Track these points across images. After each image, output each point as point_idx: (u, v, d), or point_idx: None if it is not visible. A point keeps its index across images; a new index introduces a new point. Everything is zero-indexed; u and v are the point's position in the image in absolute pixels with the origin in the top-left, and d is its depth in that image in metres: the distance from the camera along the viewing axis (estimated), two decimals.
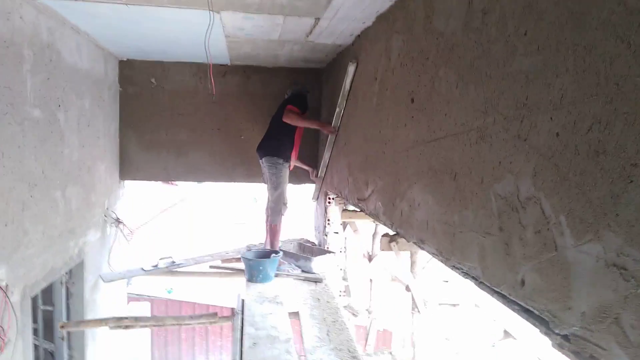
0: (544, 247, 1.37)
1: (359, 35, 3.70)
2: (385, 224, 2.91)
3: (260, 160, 4.74)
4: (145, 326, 3.81)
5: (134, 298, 8.49)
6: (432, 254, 2.18)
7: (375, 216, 3.14)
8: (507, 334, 3.83)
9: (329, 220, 5.12)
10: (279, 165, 4.54)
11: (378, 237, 4.15)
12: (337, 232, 5.11)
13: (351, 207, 4.55)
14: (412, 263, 2.82)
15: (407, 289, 2.80)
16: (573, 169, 1.25)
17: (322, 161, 4.57)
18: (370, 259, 4.20)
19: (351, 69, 3.31)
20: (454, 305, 3.83)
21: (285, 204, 4.55)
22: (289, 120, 4.42)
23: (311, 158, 5.53)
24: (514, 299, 1.53)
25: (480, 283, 1.76)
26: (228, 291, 4.82)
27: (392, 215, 2.75)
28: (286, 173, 4.63)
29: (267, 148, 4.64)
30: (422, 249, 2.32)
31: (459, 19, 1.94)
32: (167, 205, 9.40)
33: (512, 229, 1.53)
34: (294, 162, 4.86)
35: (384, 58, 2.99)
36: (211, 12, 2.85)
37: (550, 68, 1.35)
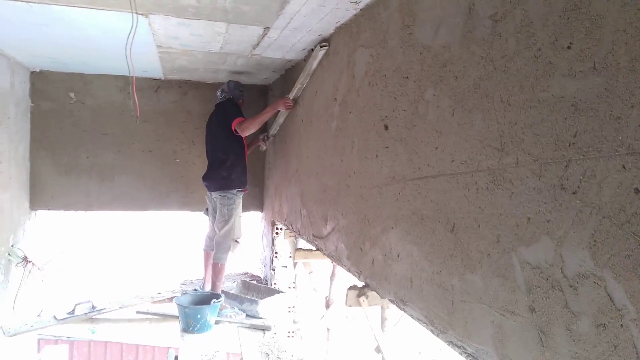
0: (614, 349, 0.95)
1: (312, 50, 3.26)
2: (350, 271, 2.46)
3: (208, 193, 4.15)
4: None
5: (49, 340, 7.48)
6: (419, 320, 1.74)
7: (336, 259, 2.68)
8: None
9: (276, 252, 4.61)
10: (232, 196, 3.97)
11: (337, 280, 3.69)
12: (285, 267, 4.60)
13: (303, 243, 4.07)
14: (384, 319, 2.39)
15: (377, 349, 2.37)
16: None
17: (275, 122, 4.06)
18: (327, 304, 3.74)
19: (320, 53, 2.84)
20: (420, 352, 3.43)
21: (236, 240, 3.97)
22: (248, 132, 3.90)
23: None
24: None
25: None
26: (164, 326, 4.18)
27: (360, 263, 2.30)
28: (239, 204, 4.06)
29: (218, 181, 4.03)
30: (404, 311, 1.88)
31: (454, 29, 1.54)
32: (89, 233, 8.48)
33: (553, 314, 1.11)
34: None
35: (346, 76, 2.57)
36: (135, 15, 2.31)
37: (619, 95, 0.95)
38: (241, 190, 4.07)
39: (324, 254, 2.90)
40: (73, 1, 2.36)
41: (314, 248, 3.17)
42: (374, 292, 2.15)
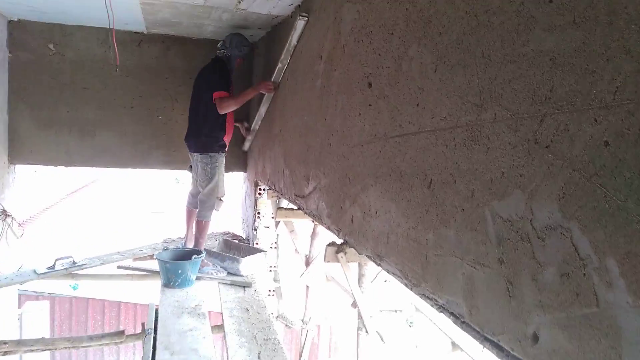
0: (576, 298, 0.99)
1: (299, 5, 3.20)
2: (330, 229, 2.49)
3: (189, 153, 4.12)
4: (31, 351, 3.15)
5: (30, 296, 7.49)
6: (394, 275, 1.78)
7: (317, 218, 2.71)
8: (455, 345, 3.59)
9: (259, 213, 4.63)
10: (214, 155, 3.94)
11: (318, 239, 3.73)
12: (267, 227, 4.63)
13: (286, 203, 4.09)
14: (361, 276, 2.44)
15: (354, 304, 2.42)
16: (633, 195, 0.88)
17: (257, 114, 4.01)
18: (307, 262, 3.79)
19: (300, 24, 2.78)
20: (396, 311, 3.53)
21: (220, 198, 3.96)
22: (226, 111, 3.85)
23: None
24: (519, 357, 1.16)
25: (463, 324, 1.38)
26: (145, 283, 4.23)
27: (340, 220, 2.32)
28: (222, 162, 4.03)
29: (197, 144, 4.00)
30: (380, 266, 1.92)
31: None
32: (69, 191, 8.36)
33: (521, 265, 1.14)
34: (229, 139, 4.24)
35: (332, 32, 2.53)
36: None
37: (596, 49, 0.96)
38: (222, 151, 4.04)
39: (305, 213, 2.93)
40: None
41: (296, 207, 3.19)
42: (352, 249, 2.19)
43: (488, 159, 1.27)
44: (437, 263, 1.49)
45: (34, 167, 4.64)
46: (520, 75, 1.16)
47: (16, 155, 4.39)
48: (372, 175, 1.97)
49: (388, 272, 1.84)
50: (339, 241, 2.31)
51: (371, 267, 2.53)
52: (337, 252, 2.32)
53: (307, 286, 3.81)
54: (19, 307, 6.71)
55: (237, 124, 4.56)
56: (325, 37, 2.63)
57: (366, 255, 2.03)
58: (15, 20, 4.24)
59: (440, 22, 1.52)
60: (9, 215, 4.03)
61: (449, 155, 1.44)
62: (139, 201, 11.14)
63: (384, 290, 3.08)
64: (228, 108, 3.81)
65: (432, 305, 1.54)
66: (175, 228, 6.22)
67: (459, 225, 1.38)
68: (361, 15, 2.15)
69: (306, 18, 2.81)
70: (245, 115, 4.90)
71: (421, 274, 1.58)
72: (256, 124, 4.16)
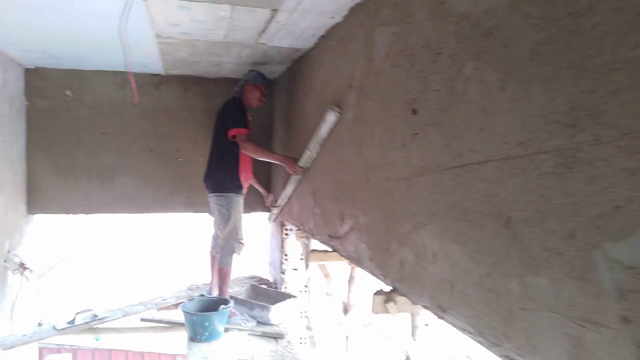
0: None
1: (323, 36, 3.04)
2: (373, 274, 2.23)
3: (207, 194, 3.93)
4: None
5: (52, 349, 7.26)
6: (464, 331, 1.51)
7: (356, 261, 2.45)
8: None
9: (286, 255, 4.38)
10: (229, 195, 3.74)
11: (356, 283, 3.46)
12: (296, 269, 4.38)
13: (315, 244, 3.83)
14: (414, 327, 2.17)
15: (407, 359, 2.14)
16: None
17: (283, 192, 3.79)
18: (345, 309, 3.51)
19: (331, 118, 2.56)
20: None
21: (239, 241, 3.73)
22: (246, 151, 3.64)
23: (265, 176, 4.77)
24: None
25: None
26: (169, 335, 3.99)
27: (386, 265, 2.07)
28: (239, 203, 3.81)
29: (212, 182, 3.82)
30: (443, 319, 1.65)
31: None
32: (88, 240, 8.27)
33: None
34: (247, 184, 4.02)
35: (363, 60, 2.34)
36: None
37: None
38: (238, 191, 3.83)
39: (342, 256, 2.68)
40: None
41: (330, 249, 2.94)
42: (404, 298, 1.92)
43: (593, 191, 1.02)
44: (527, 319, 1.22)
45: (53, 217, 4.49)
46: (632, 84, 0.93)
47: (34, 204, 4.26)
48: (425, 213, 1.73)
49: (455, 327, 1.57)
50: (387, 288, 2.06)
51: (425, 317, 2.26)
52: (386, 301, 2.06)
53: (347, 336, 3.51)
54: None
55: (261, 191, 4.48)
56: (355, 65, 2.44)
57: (424, 306, 1.76)
58: (32, 68, 4.18)
59: (504, 33, 1.31)
60: (26, 269, 3.86)
61: (532, 187, 1.20)
62: (162, 244, 10.99)
63: (435, 339, 2.79)
64: (248, 150, 3.61)
65: None
66: (199, 272, 5.99)
67: (555, 273, 1.12)
68: (398, 38, 1.95)
69: (338, 114, 2.59)
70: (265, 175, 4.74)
71: (503, 332, 1.31)
72: (282, 201, 3.95)
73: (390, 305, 2.06)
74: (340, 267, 3.65)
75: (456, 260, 1.53)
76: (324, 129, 2.70)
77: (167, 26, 2.85)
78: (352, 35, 2.52)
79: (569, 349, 1.09)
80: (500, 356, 1.35)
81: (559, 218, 1.11)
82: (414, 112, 1.81)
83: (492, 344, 1.37)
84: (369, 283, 3.42)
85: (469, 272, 1.46)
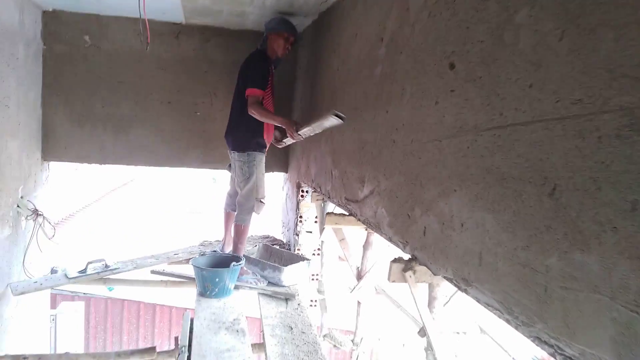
0: None
1: None
2: (391, 241, 2.11)
3: (228, 150, 3.80)
4: None
5: (66, 296, 7.40)
6: (490, 307, 1.39)
7: (374, 226, 2.33)
8: None
9: (301, 217, 4.30)
10: (250, 155, 3.61)
11: (371, 250, 3.35)
12: (310, 232, 4.29)
13: (332, 207, 3.73)
14: (432, 299, 2.05)
15: (422, 332, 2.04)
16: None
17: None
18: (359, 275, 3.41)
19: (334, 121, 2.42)
20: (459, 333, 3.11)
21: (260, 200, 3.62)
22: (252, 112, 3.43)
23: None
24: None
25: None
26: (181, 290, 3.99)
27: (406, 232, 1.94)
28: (261, 161, 3.68)
29: (234, 140, 3.67)
30: (466, 293, 1.53)
31: None
32: (107, 190, 8.27)
33: None
34: (269, 142, 3.85)
35: (397, 9, 2.15)
36: None
37: None
38: (261, 150, 3.69)
39: (359, 220, 2.56)
40: None
41: (347, 213, 2.83)
42: (424, 267, 1.80)
43: None
44: (566, 299, 1.09)
45: (71, 165, 4.44)
46: None
47: (49, 151, 4.21)
48: (455, 178, 1.58)
49: (479, 302, 1.45)
50: (406, 256, 1.94)
51: (445, 288, 2.15)
52: (405, 269, 1.95)
53: (359, 302, 3.44)
54: (55, 307, 6.63)
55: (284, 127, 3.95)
56: (388, 16, 2.26)
57: (445, 277, 1.65)
58: (50, 10, 4.05)
59: None
60: (40, 215, 3.84)
61: (587, 152, 1.04)
62: (176, 201, 10.99)
63: (452, 312, 2.70)
64: (253, 113, 3.42)
65: (553, 354, 1.15)
66: (213, 229, 5.97)
67: (607, 250, 0.98)
68: None
69: (339, 119, 2.38)
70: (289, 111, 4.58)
71: (536, 311, 1.19)
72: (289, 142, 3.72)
73: (409, 274, 1.95)
74: (356, 231, 3.54)
75: (487, 230, 1.40)
76: (321, 125, 2.57)
77: None
78: None
79: (614, 336, 0.96)
80: (530, 337, 1.23)
81: (619, 188, 0.96)
82: (452, 66, 1.64)
83: (521, 323, 1.25)
84: (385, 250, 3.32)
85: (502, 244, 1.33)
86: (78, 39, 4.17)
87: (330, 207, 3.82)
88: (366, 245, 3.39)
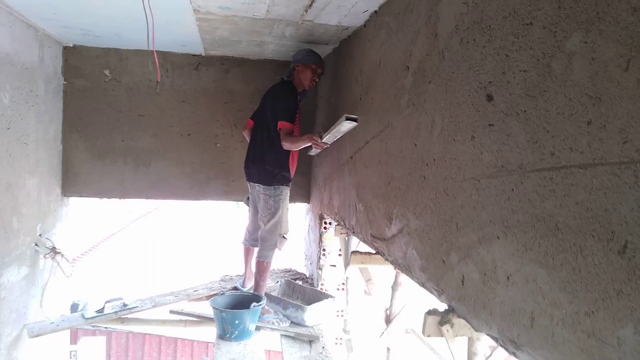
0: None
1: (375, 12, 2.72)
2: (424, 287, 1.92)
3: (249, 182, 3.67)
4: None
5: (87, 331, 7.31)
6: None
7: (404, 268, 2.15)
8: None
9: (324, 250, 4.12)
10: (277, 189, 3.47)
11: (401, 290, 3.14)
12: (334, 266, 4.11)
13: (357, 242, 3.54)
14: (471, 354, 1.85)
15: None
16: None
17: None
18: (388, 318, 3.20)
19: (349, 125, 2.43)
20: None
21: (283, 236, 3.47)
22: (286, 147, 3.35)
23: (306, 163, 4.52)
24: None
25: None
26: (199, 329, 3.85)
27: (442, 279, 1.76)
28: (287, 194, 3.53)
29: (260, 174, 3.51)
30: (514, 355, 1.33)
31: None
32: (128, 220, 8.26)
33: None
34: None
35: (424, 36, 2.01)
36: None
37: None
38: (287, 183, 3.55)
39: (387, 260, 2.38)
40: None
41: (373, 251, 2.65)
42: (462, 319, 1.61)
43: None
44: None
45: (88, 200, 4.39)
46: None
47: (69, 187, 4.16)
48: (498, 223, 1.40)
49: None
50: (441, 305, 1.75)
51: (486, 343, 1.95)
52: (442, 323, 1.76)
53: (388, 348, 3.22)
54: (75, 343, 6.54)
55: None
56: (414, 42, 2.12)
57: (489, 336, 1.45)
58: (71, 46, 4.05)
59: None
60: (58, 253, 3.76)
61: None
62: (199, 228, 10.93)
63: None
64: (285, 145, 3.32)
65: None
66: (235, 260, 5.82)
67: None
68: (471, 8, 1.62)
69: (353, 122, 2.36)
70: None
71: None
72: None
73: (446, 328, 1.76)
74: (383, 270, 3.34)
75: (540, 287, 1.21)
76: (343, 129, 2.47)
77: (205, 0, 2.60)
78: (411, 8, 2.19)
79: None
80: None
81: None
82: (489, 98, 1.48)
83: None
84: (415, 291, 3.11)
85: (559, 306, 1.13)
86: (98, 74, 4.16)
87: (355, 239, 3.64)
88: (395, 286, 3.19)
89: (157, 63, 3.15)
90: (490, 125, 1.47)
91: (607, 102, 1.01)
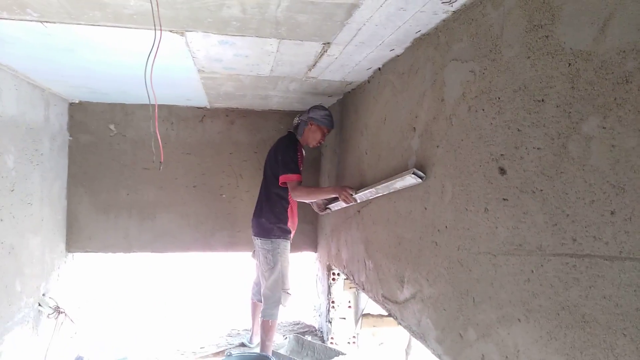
0: None
1: (379, 69, 2.72)
2: (441, 359, 1.83)
3: (252, 236, 3.62)
4: None
5: None
6: None
7: (419, 337, 2.06)
8: None
9: (333, 302, 4.02)
10: (274, 242, 3.43)
11: (415, 354, 3.04)
12: (344, 318, 4.00)
13: (366, 299, 3.45)
14: None
15: None
16: None
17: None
18: None
19: (411, 181, 2.05)
20: None
21: (286, 291, 3.39)
22: (298, 199, 3.31)
23: (311, 213, 4.48)
24: None
25: None
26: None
27: (460, 354, 1.67)
28: (286, 248, 3.47)
29: (258, 226, 3.50)
30: None
31: None
32: (126, 280, 8.20)
33: None
34: (294, 228, 3.63)
35: (431, 99, 1.99)
36: (158, 32, 1.85)
37: None
38: (286, 236, 3.48)
39: (400, 325, 2.29)
40: (94, 19, 1.94)
41: (385, 312, 2.56)
42: None
43: None
44: None
45: (92, 255, 4.32)
46: None
47: (74, 242, 4.11)
48: (519, 305, 1.33)
49: None
50: None
51: None
52: None
53: None
54: None
55: (333, 195, 3.25)
56: (420, 104, 2.10)
57: None
58: (77, 102, 4.08)
59: None
60: (62, 313, 3.67)
61: None
62: (207, 272, 10.81)
63: None
64: (298, 197, 3.27)
65: None
66: (245, 312, 5.69)
67: None
68: (479, 77, 1.59)
69: (418, 178, 2.06)
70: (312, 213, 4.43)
71: None
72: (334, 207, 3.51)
73: None
74: (397, 331, 3.23)
75: None
76: (398, 184, 2.24)
77: (209, 62, 2.61)
78: (415, 69, 2.18)
79: None
80: None
81: None
82: (502, 171, 1.43)
83: None
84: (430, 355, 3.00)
85: None
86: (104, 128, 4.17)
87: (364, 296, 3.55)
88: (408, 349, 3.09)
89: (160, 142, 3.14)
90: (504, 199, 1.42)
91: (632, 194, 0.97)
